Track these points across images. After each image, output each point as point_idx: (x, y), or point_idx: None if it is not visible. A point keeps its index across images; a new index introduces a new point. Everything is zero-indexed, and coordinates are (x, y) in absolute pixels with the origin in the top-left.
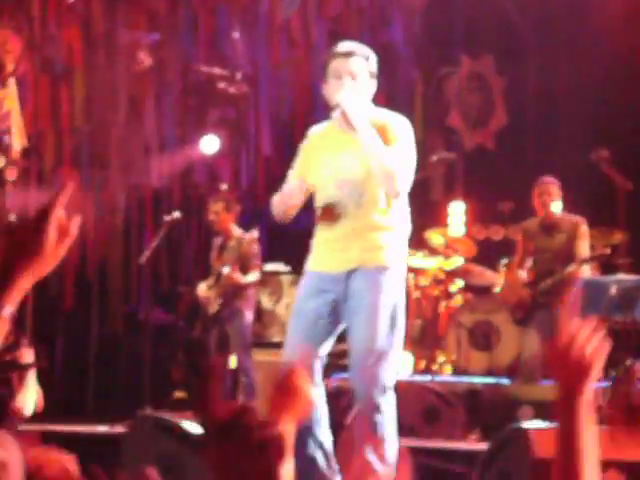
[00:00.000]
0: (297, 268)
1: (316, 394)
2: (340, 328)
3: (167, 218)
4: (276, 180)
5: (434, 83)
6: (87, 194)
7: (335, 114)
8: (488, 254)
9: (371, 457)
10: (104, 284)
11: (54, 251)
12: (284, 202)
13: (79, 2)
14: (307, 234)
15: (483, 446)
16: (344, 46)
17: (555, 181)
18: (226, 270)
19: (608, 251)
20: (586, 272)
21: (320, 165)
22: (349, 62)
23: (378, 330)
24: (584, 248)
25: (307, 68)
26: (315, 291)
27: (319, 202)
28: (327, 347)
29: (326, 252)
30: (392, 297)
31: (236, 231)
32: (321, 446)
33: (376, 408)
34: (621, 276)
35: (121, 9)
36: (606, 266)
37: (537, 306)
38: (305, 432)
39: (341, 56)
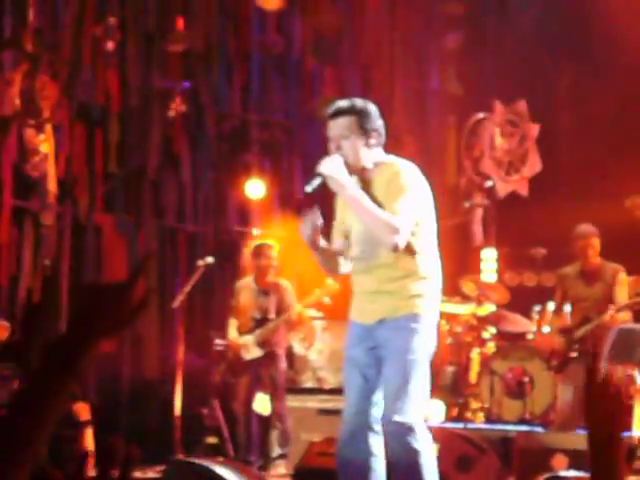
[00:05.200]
0: (329, 314)
1: (376, 443)
2: None
3: (200, 263)
4: None
5: (467, 129)
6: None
7: (309, 187)
8: (521, 301)
9: None
10: (137, 328)
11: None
12: (323, 267)
13: (116, 48)
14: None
15: None
16: (331, 108)
17: (596, 230)
18: (297, 308)
19: None
20: (623, 320)
21: (349, 218)
22: (335, 124)
23: (406, 373)
24: (622, 295)
25: None
26: (357, 339)
27: (353, 253)
28: (381, 392)
29: (358, 303)
30: (420, 342)
31: (272, 276)
32: None
33: (410, 449)
34: None
35: (156, 55)
36: None
37: (572, 354)
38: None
39: (328, 119)
